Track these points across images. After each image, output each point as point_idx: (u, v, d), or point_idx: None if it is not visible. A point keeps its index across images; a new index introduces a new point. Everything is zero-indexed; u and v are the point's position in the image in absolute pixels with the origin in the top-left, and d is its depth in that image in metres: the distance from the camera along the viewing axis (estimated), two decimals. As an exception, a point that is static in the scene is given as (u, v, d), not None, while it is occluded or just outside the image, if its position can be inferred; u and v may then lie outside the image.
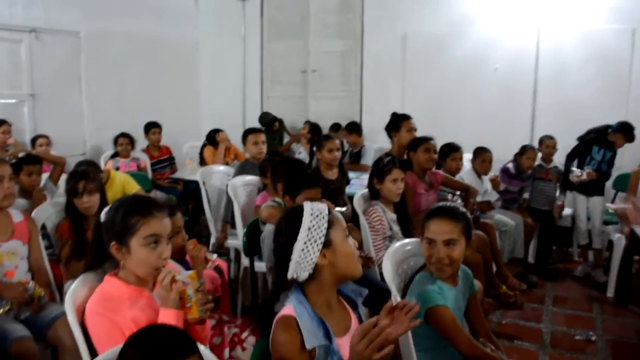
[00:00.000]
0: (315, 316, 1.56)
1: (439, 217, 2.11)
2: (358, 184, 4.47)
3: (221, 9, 7.55)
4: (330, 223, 1.60)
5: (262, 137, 4.65)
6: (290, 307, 1.56)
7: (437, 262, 2.07)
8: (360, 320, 1.71)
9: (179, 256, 2.38)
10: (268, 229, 3.00)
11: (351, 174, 4.57)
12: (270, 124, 6.74)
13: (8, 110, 5.38)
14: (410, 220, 3.36)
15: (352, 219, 3.55)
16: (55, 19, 5.84)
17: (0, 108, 5.36)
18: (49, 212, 2.97)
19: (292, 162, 3.72)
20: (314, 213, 1.59)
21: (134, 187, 4.33)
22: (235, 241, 4.01)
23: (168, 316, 1.65)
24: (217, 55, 7.65)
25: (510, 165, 4.81)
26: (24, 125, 5.64)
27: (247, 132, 4.73)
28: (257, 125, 6.34)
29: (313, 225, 1.57)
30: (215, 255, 2.46)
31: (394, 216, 3.28)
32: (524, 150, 4.75)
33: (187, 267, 2.28)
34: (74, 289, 1.78)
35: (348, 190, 4.17)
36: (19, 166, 3.47)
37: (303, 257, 1.57)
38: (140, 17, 6.73)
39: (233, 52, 7.52)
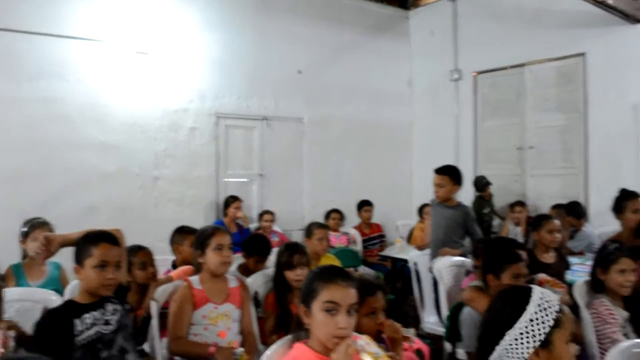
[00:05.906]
0: None
1: None
2: (582, 271, 3.95)
3: (434, 90, 7.71)
4: (558, 322, 1.42)
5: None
6: None
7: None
8: None
9: (376, 337, 2.31)
10: (467, 312, 2.76)
11: (574, 259, 4.08)
12: (482, 188, 6.46)
13: (241, 188, 6.26)
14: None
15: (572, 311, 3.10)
16: (283, 108, 6.68)
17: (234, 186, 6.24)
18: (261, 281, 3.15)
19: (499, 240, 3.45)
20: (542, 305, 1.44)
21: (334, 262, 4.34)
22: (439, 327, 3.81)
23: None
24: (431, 134, 7.77)
25: None
26: (253, 202, 6.40)
27: None
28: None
29: (537, 318, 1.42)
30: (412, 330, 2.31)
31: (625, 314, 2.74)
32: None
33: (387, 349, 2.18)
34: (269, 355, 1.87)
35: (569, 277, 3.71)
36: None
37: (514, 348, 1.42)
38: (357, 102, 7.31)
39: (446, 130, 7.55)
